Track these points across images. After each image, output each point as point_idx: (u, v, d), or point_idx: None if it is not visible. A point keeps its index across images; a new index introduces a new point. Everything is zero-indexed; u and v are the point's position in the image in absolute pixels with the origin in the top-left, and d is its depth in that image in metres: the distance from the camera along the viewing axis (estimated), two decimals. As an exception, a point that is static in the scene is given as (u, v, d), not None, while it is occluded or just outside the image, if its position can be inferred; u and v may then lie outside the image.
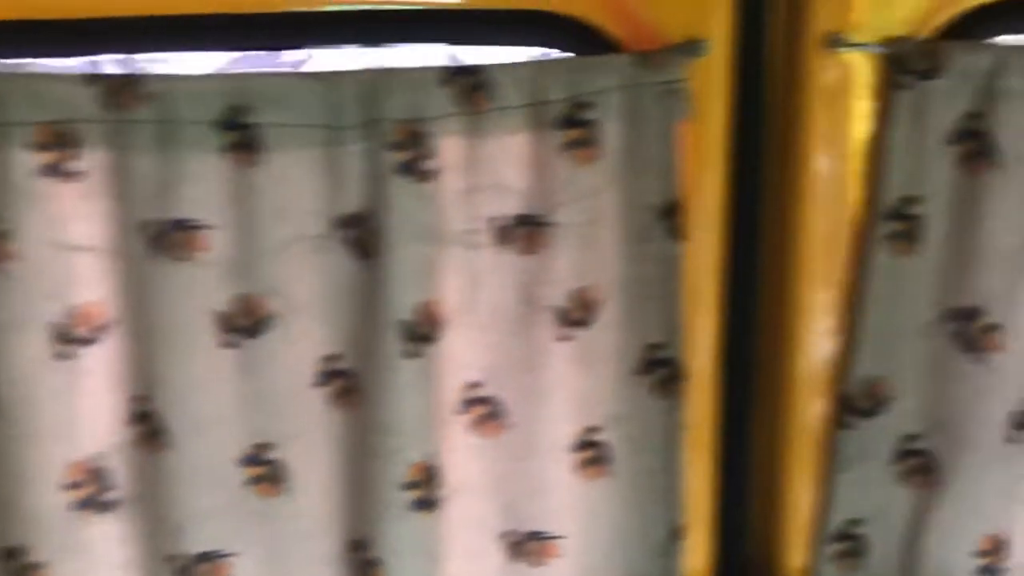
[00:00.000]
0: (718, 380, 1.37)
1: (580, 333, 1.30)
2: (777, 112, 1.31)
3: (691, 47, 1.23)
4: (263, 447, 1.29)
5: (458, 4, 1.26)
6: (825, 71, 1.27)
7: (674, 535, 1.37)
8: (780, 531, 1.41)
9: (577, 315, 1.29)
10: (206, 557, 1.31)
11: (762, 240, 1.35)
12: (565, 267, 1.28)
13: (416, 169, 1.20)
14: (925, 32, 1.27)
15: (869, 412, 1.35)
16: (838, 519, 1.38)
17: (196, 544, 1.30)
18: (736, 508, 1.42)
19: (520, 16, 1.25)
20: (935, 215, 1.29)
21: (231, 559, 1.32)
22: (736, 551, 1.44)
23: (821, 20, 1.25)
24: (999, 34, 1.32)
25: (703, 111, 1.26)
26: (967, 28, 1.29)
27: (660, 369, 1.31)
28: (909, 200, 1.28)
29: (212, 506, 1.29)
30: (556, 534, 1.37)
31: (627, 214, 1.27)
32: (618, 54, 1.23)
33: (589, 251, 1.27)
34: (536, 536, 1.37)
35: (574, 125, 1.23)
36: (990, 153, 1.26)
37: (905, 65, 1.24)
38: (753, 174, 1.33)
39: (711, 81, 1.26)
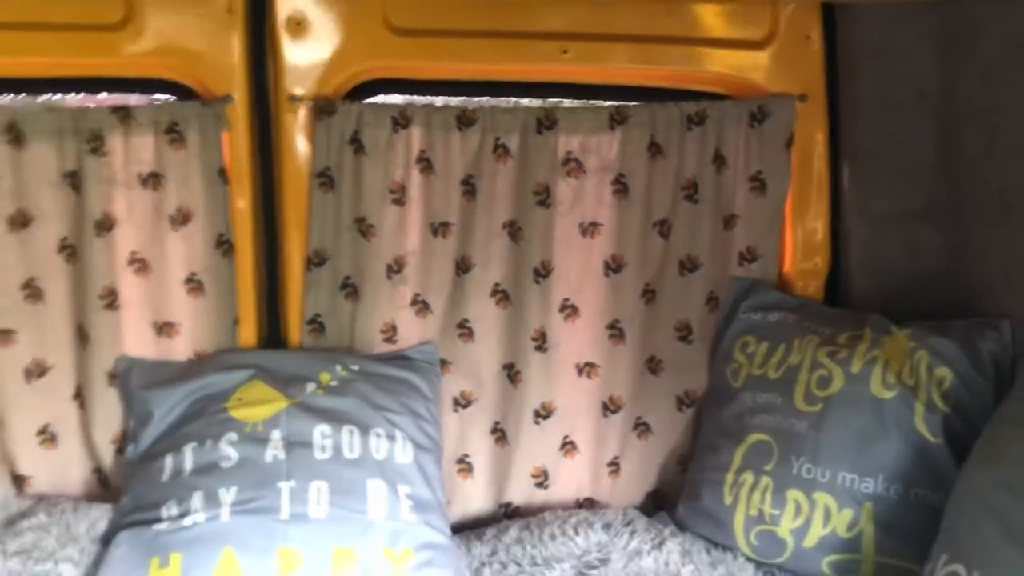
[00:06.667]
0: (259, 251, 2.93)
1: None
2: (277, 133, 2.85)
3: (225, 98, 2.78)
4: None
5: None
6: (291, 112, 2.83)
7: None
8: (288, 321, 3.00)
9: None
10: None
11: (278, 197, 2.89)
12: None
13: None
14: (338, 92, 2.84)
15: (318, 264, 2.93)
16: (309, 313, 2.97)
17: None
18: (272, 309, 3.01)
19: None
20: (340, 178, 2.85)
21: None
22: (274, 331, 3.03)
23: (286, 87, 2.81)
24: (378, 95, 2.90)
25: (235, 129, 2.81)
26: (363, 90, 2.87)
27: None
28: (328, 168, 2.85)
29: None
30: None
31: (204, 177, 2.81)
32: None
33: None
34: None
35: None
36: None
37: (321, 108, 2.80)
38: (267, 163, 2.86)
39: (239, 114, 2.80)
